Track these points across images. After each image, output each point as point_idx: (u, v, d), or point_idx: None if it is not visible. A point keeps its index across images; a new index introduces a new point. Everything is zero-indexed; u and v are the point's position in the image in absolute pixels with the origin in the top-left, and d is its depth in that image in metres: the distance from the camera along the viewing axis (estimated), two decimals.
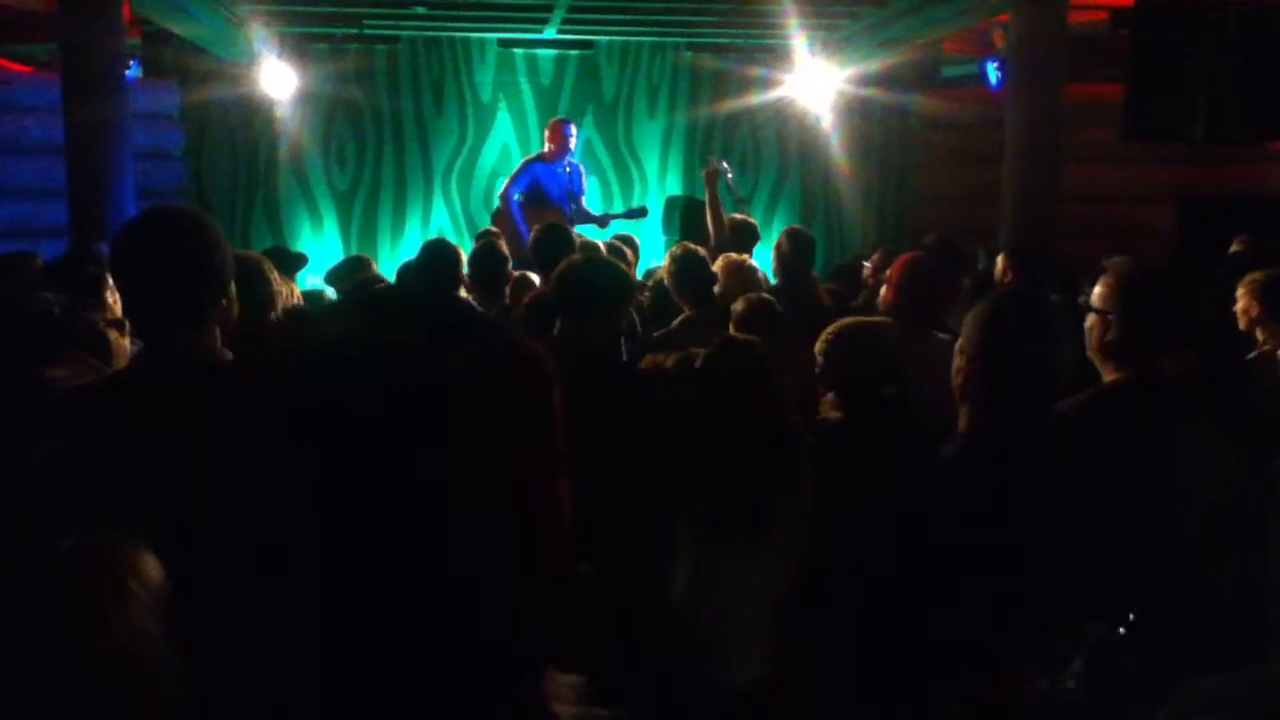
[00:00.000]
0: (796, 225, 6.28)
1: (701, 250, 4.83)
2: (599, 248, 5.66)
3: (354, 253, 9.95)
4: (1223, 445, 2.13)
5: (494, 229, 7.36)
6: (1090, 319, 2.42)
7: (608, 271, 3.17)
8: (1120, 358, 2.33)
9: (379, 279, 5.19)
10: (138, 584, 1.00)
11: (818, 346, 3.04)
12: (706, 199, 6.44)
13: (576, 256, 3.48)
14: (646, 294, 5.37)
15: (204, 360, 1.94)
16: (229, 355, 2.00)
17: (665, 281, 4.61)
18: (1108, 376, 2.38)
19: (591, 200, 9.52)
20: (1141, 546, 1.80)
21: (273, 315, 3.38)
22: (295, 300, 5.24)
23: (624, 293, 3.21)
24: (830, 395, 3.05)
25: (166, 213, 2.09)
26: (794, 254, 5.40)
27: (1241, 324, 4.17)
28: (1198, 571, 1.89)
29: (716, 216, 6.31)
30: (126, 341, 3.03)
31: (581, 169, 8.78)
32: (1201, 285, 4.13)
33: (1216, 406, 2.52)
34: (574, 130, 8.64)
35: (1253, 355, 4.02)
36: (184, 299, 1.93)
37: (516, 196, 8.40)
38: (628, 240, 6.62)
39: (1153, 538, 1.81)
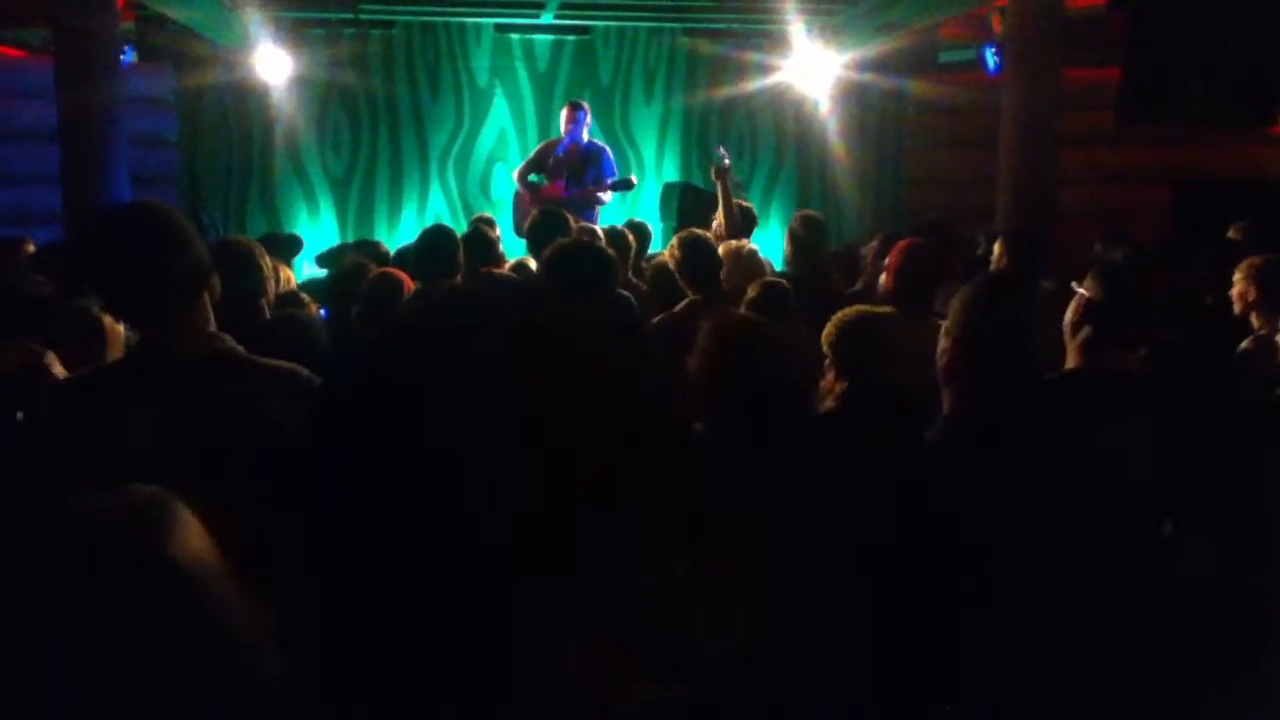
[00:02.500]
0: (810, 210, 6.29)
1: (707, 235, 4.83)
2: (596, 233, 5.65)
3: (349, 238, 9.95)
4: (1161, 439, 2.13)
5: (486, 215, 7.36)
6: (1075, 299, 2.47)
7: (588, 255, 3.17)
8: (1083, 347, 2.36)
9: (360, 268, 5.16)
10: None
11: (824, 335, 3.03)
12: (720, 194, 6.40)
13: (560, 241, 3.48)
14: (645, 279, 5.36)
15: (191, 353, 1.94)
16: (232, 343, 2.00)
17: (670, 265, 4.60)
18: (1069, 362, 2.41)
19: None
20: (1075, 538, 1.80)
21: (264, 302, 3.37)
22: (289, 285, 5.23)
23: (606, 276, 3.21)
24: (833, 383, 3.04)
25: (130, 212, 2.09)
26: (808, 238, 5.40)
27: (1237, 308, 4.17)
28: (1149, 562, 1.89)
29: (729, 212, 6.28)
30: (121, 327, 3.03)
31: (607, 151, 8.72)
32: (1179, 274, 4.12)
33: (1162, 401, 2.52)
34: (583, 114, 8.57)
35: (1248, 340, 4.01)
36: (148, 296, 1.93)
37: (531, 177, 8.46)
38: (639, 226, 6.60)
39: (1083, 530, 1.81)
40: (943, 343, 2.01)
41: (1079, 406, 2.08)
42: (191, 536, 0.94)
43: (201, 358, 1.94)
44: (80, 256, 2.09)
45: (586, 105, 8.75)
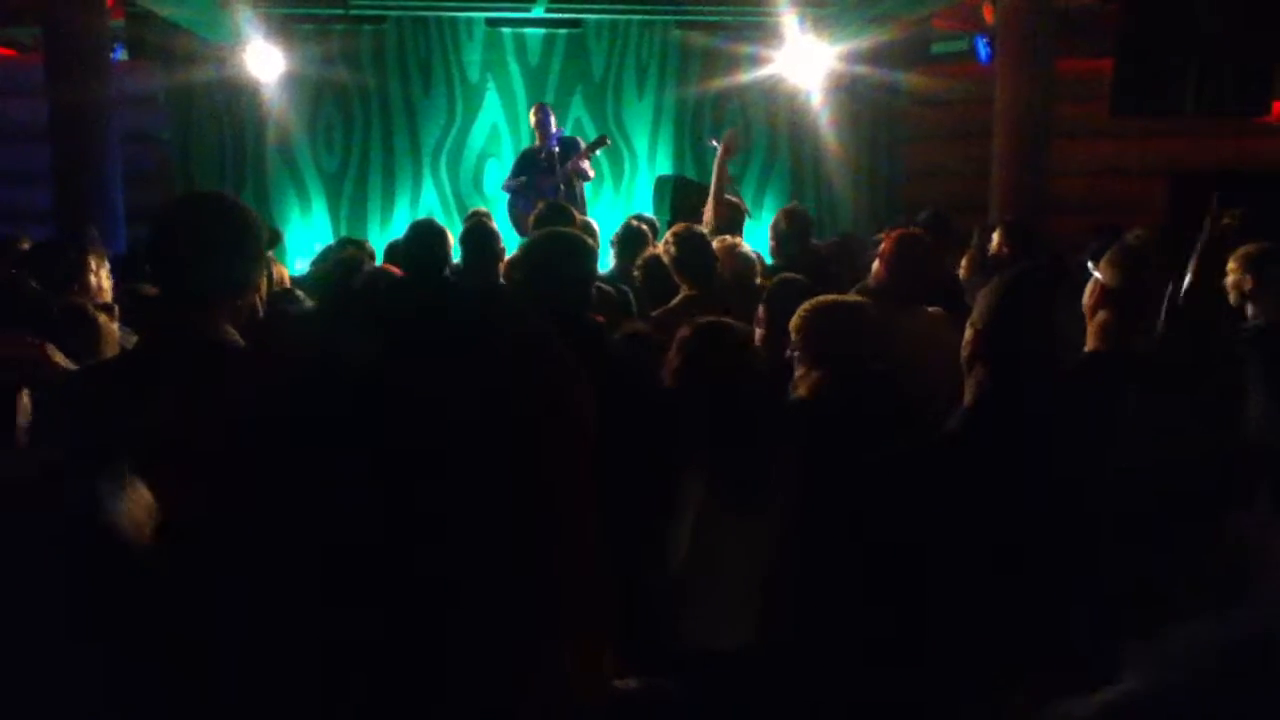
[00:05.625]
0: (795, 204, 6.29)
1: (703, 229, 4.83)
2: (592, 228, 5.65)
3: (343, 235, 9.92)
4: (1179, 416, 2.17)
5: (483, 210, 7.37)
6: (1091, 284, 2.52)
7: (566, 246, 3.14)
8: (1101, 330, 2.42)
9: (357, 261, 5.17)
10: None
11: (792, 322, 3.02)
12: (714, 178, 6.41)
13: (540, 232, 3.45)
14: (638, 273, 5.35)
15: (215, 343, 1.96)
16: (236, 338, 2.01)
17: (665, 260, 4.59)
18: (1088, 344, 2.49)
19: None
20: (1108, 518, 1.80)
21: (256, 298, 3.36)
22: (284, 282, 5.22)
23: (584, 266, 3.18)
24: (804, 370, 3.03)
25: (209, 201, 2.11)
26: (790, 232, 5.41)
27: (1233, 298, 4.15)
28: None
29: (718, 199, 6.29)
30: (115, 326, 3.02)
31: (575, 141, 8.94)
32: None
33: (1177, 379, 2.56)
34: (547, 115, 8.87)
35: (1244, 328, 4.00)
36: (207, 287, 1.95)
37: (514, 185, 8.61)
38: (648, 221, 6.60)
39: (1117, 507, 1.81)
40: (968, 332, 2.01)
41: (1102, 387, 2.10)
42: (131, 508, 0.94)
43: (222, 347, 1.96)
44: (149, 244, 2.08)
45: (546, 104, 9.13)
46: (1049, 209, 7.56)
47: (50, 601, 0.92)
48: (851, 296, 3.31)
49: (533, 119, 9.04)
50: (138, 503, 0.98)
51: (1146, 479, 1.80)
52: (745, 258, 5.04)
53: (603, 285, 4.32)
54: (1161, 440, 1.85)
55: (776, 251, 5.50)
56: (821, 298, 3.10)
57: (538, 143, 8.81)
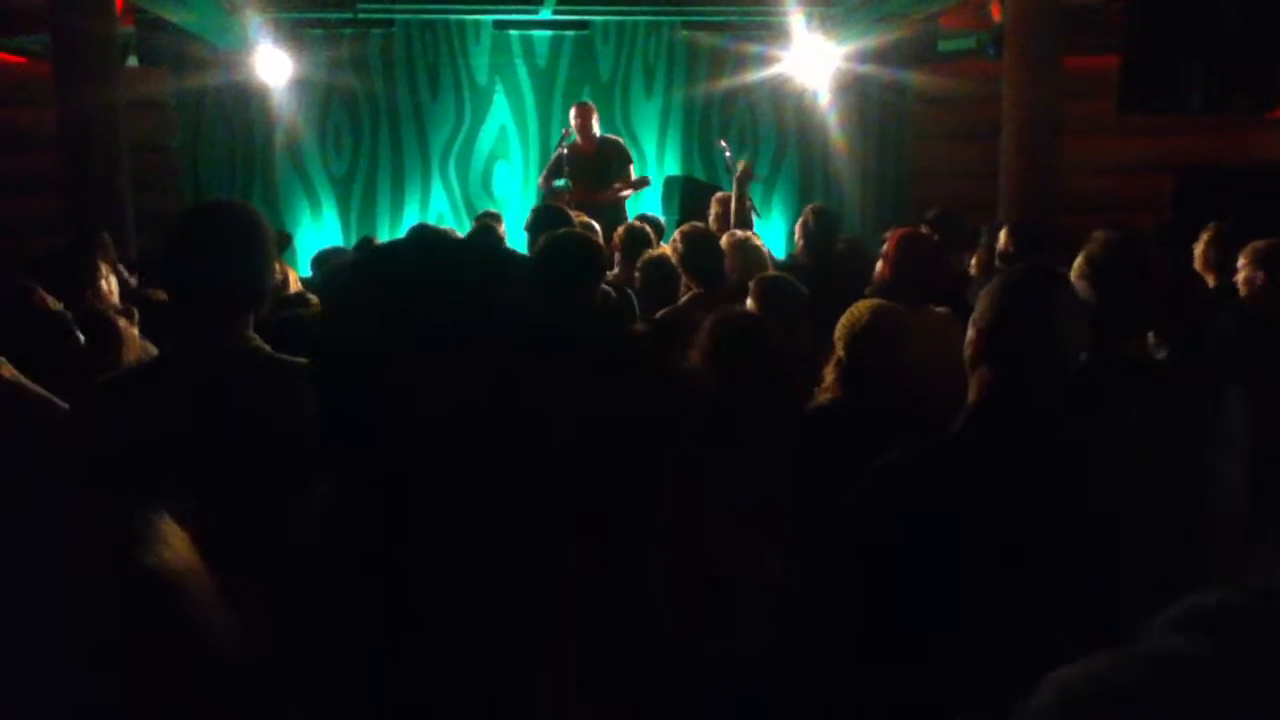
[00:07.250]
0: (820, 204, 6.32)
1: (709, 228, 4.84)
2: (594, 228, 5.66)
3: (353, 239, 9.96)
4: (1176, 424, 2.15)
5: (493, 211, 7.38)
6: None
7: (572, 248, 3.11)
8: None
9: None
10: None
11: (839, 332, 3.01)
12: (735, 196, 6.45)
13: (547, 235, 3.44)
14: (637, 274, 5.35)
15: (234, 351, 1.97)
16: (260, 341, 2.02)
17: (672, 259, 4.60)
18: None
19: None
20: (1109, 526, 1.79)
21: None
22: (294, 286, 5.25)
23: (591, 269, 3.15)
24: (832, 377, 3.04)
25: (219, 210, 2.13)
26: (818, 231, 5.42)
27: (1243, 293, 4.15)
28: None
29: (740, 211, 6.32)
30: (136, 330, 3.05)
31: (617, 148, 8.79)
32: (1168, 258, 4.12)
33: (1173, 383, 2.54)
34: (580, 112, 8.71)
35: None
36: (227, 296, 1.97)
37: (557, 183, 8.44)
38: (653, 221, 6.62)
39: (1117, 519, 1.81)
40: (970, 332, 1.99)
41: (1090, 396, 2.09)
42: (171, 547, 0.95)
43: (242, 356, 1.97)
44: (166, 253, 2.09)
45: (591, 103, 8.82)
46: (1058, 207, 7.55)
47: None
48: (879, 300, 3.31)
49: (575, 122, 8.70)
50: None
51: (1146, 475, 1.81)
52: (755, 253, 5.04)
53: (604, 287, 4.33)
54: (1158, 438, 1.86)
55: (802, 251, 5.52)
56: (864, 308, 3.08)
57: (580, 143, 8.58)
